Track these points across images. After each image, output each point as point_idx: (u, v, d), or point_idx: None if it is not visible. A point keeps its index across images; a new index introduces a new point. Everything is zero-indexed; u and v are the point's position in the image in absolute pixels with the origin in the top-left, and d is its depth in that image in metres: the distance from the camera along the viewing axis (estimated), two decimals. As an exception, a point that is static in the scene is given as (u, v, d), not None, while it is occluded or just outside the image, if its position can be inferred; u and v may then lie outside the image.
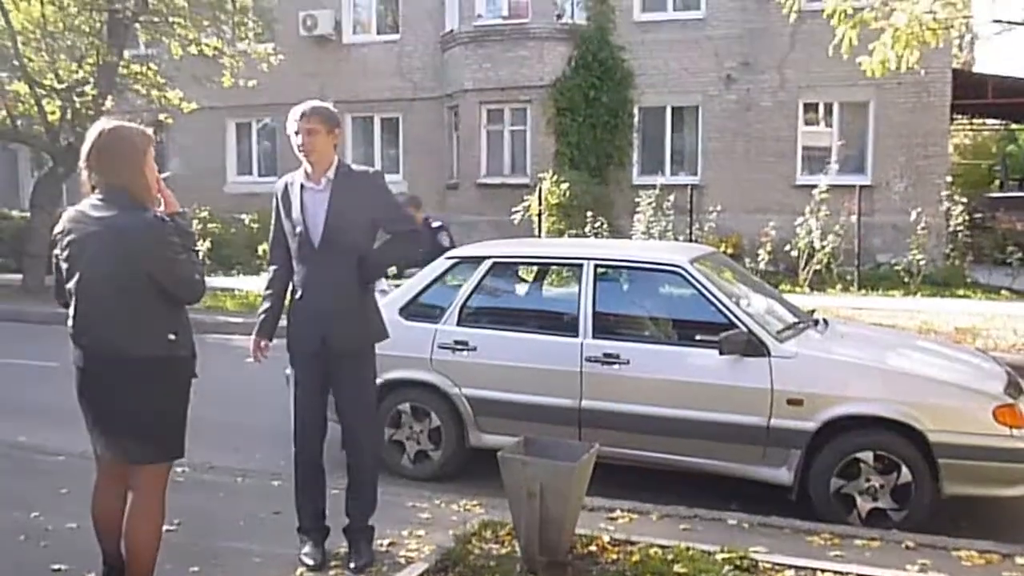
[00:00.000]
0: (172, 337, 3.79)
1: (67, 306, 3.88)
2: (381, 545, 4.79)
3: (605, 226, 17.34)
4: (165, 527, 4.04)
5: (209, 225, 20.18)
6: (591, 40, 19.45)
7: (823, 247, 16.32)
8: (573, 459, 4.49)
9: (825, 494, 5.41)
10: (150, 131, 4.01)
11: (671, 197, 17.61)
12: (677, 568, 4.40)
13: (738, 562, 4.46)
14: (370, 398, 4.71)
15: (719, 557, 4.51)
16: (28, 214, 17.36)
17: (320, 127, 4.48)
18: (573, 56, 19.56)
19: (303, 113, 4.50)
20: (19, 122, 16.93)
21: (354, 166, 4.73)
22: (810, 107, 18.99)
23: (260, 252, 19.61)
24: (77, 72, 16.49)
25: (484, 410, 6.22)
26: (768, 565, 4.47)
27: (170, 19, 16.59)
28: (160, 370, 3.77)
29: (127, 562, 3.91)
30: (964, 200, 17.38)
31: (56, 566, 4.50)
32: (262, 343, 4.75)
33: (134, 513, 3.86)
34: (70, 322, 3.84)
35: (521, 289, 7.61)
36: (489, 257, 6.59)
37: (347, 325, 4.51)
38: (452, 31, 20.38)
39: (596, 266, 6.27)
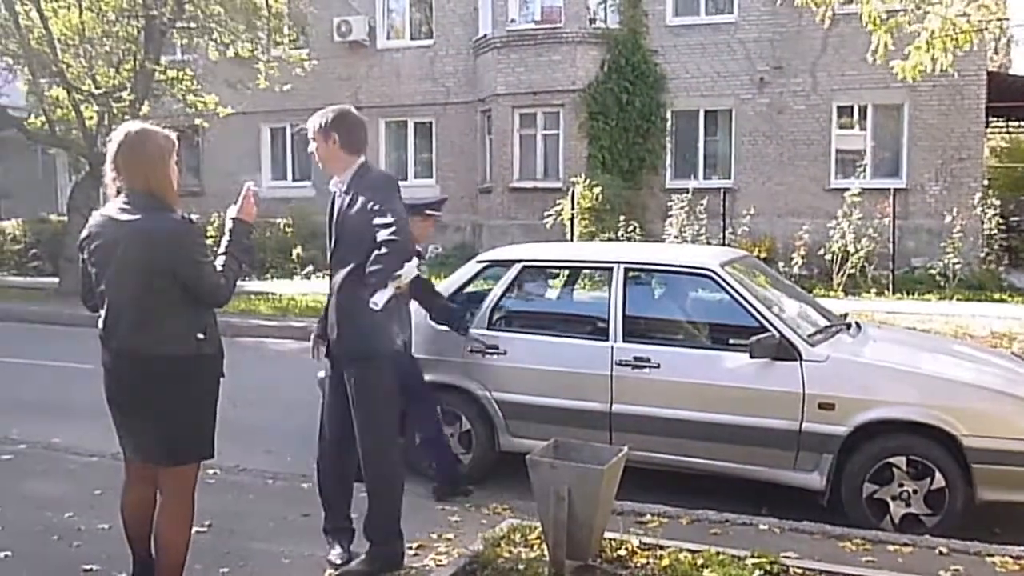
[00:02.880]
0: (200, 336, 3.81)
1: (95, 309, 3.91)
2: (410, 547, 4.78)
3: (637, 230, 17.27)
4: (195, 528, 4.06)
5: (244, 229, 20.31)
6: (624, 44, 19.39)
7: (857, 251, 16.18)
8: (602, 463, 4.46)
9: (857, 499, 5.34)
10: (174, 135, 4.03)
11: (704, 201, 17.52)
12: (707, 573, 4.35)
13: (768, 567, 4.41)
14: (369, 407, 4.48)
15: (749, 562, 4.46)
16: (65, 218, 17.54)
17: (316, 138, 4.52)
18: (606, 60, 19.51)
19: (310, 131, 4.59)
20: (58, 127, 17.21)
21: (374, 170, 4.65)
22: (843, 110, 18.84)
23: (294, 256, 19.76)
24: (114, 78, 16.74)
25: (515, 414, 6.18)
26: (799, 570, 4.42)
27: (207, 24, 16.73)
28: (188, 370, 3.78)
29: (157, 562, 3.93)
30: (1000, 203, 17.16)
31: (88, 566, 4.54)
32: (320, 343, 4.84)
33: (164, 515, 3.87)
34: (100, 324, 3.87)
35: (552, 293, 7.60)
36: (519, 260, 6.57)
37: (341, 333, 4.51)
38: (485, 36, 20.39)
39: (626, 270, 6.23)
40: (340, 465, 4.74)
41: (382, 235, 4.16)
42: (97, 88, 16.47)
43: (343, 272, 4.44)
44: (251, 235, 4.13)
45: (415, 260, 4.37)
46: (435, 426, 5.99)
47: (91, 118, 16.60)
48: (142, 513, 3.99)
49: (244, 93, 17.63)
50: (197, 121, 18.86)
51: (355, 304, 4.33)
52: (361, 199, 4.36)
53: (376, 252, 4.16)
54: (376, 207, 4.26)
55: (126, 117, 15.49)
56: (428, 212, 5.93)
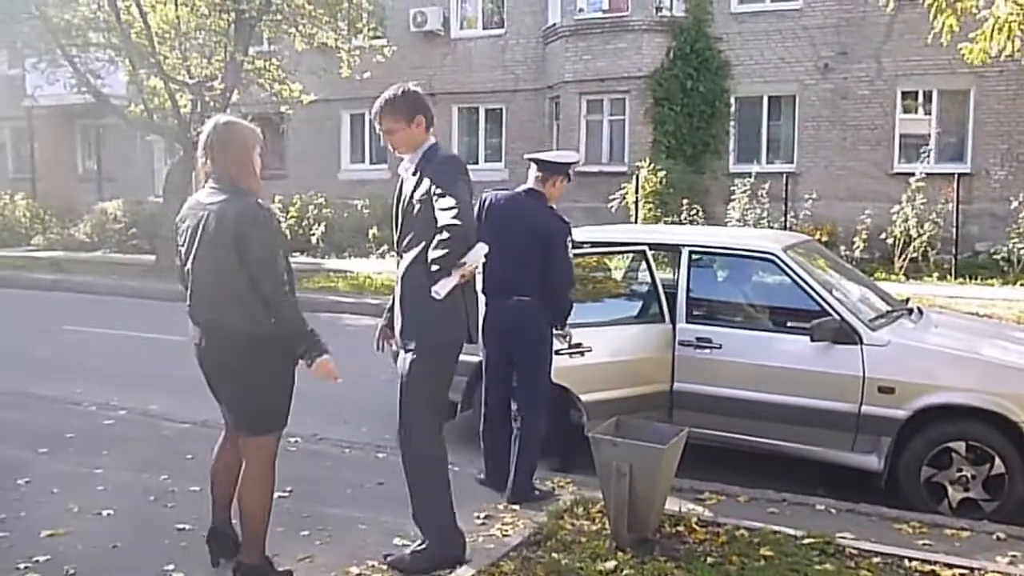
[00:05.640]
0: (275, 319, 3.80)
1: (186, 288, 3.99)
2: (477, 518, 4.81)
3: (700, 213, 17.08)
4: (277, 493, 4.12)
5: (324, 210, 20.60)
6: (688, 31, 19.09)
7: (919, 235, 15.79)
8: (663, 441, 4.43)
9: (915, 482, 5.22)
10: (258, 129, 4.09)
11: (766, 185, 17.25)
12: (763, 551, 4.30)
13: (824, 547, 4.34)
14: (415, 395, 4.17)
15: (805, 542, 4.40)
16: (161, 199, 17.94)
17: (395, 125, 4.19)
18: (671, 47, 19.22)
19: (375, 115, 4.26)
20: (155, 115, 17.63)
21: (441, 151, 4.26)
22: (908, 95, 18.28)
23: (370, 236, 19.94)
24: (207, 68, 17.11)
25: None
26: (854, 551, 4.34)
27: (292, 16, 16.92)
28: (262, 348, 3.80)
29: (241, 524, 4.01)
30: (1065, 188, 16.57)
31: (180, 525, 4.66)
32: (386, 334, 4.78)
33: (246, 481, 3.96)
34: (187, 301, 3.95)
35: (617, 274, 7.54)
36: (586, 243, 6.52)
37: (404, 323, 4.23)
38: (554, 25, 20.24)
39: (691, 252, 6.16)
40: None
41: (443, 219, 3.87)
42: (191, 78, 16.83)
43: (408, 258, 4.17)
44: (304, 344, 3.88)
45: (482, 245, 3.99)
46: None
47: (185, 106, 16.98)
48: (227, 474, 4.08)
49: (326, 81, 17.81)
50: (282, 108, 19.13)
51: (418, 293, 4.05)
52: (426, 182, 4.07)
53: (438, 237, 3.88)
54: (439, 190, 3.97)
55: (217, 105, 15.86)
56: (569, 172, 5.47)
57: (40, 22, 16.18)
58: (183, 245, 3.94)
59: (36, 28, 16.48)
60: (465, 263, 3.90)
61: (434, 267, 3.88)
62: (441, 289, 3.88)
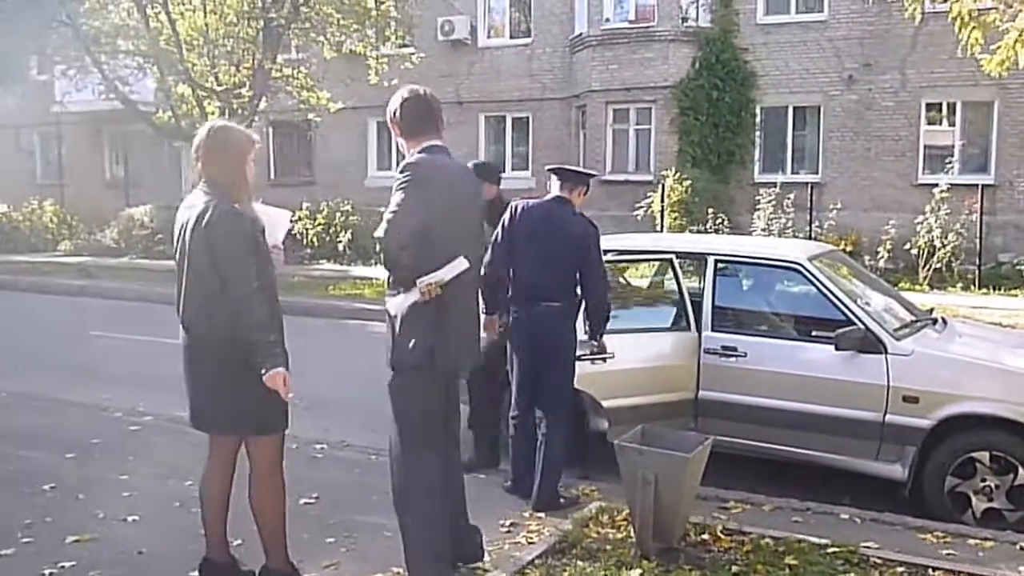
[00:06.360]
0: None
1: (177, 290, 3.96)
2: (502, 525, 4.82)
3: (725, 223, 17.04)
4: (304, 499, 4.15)
5: (351, 218, 20.67)
6: (714, 42, 19.09)
7: (943, 245, 15.69)
8: (688, 450, 4.43)
9: (939, 492, 5.20)
10: (255, 135, 4.06)
11: (791, 195, 17.20)
12: (788, 560, 4.30)
13: (849, 556, 4.34)
14: (397, 420, 4.07)
15: (830, 551, 4.39)
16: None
17: (394, 132, 4.12)
18: (697, 58, 19.22)
19: None
20: (183, 121, 17.75)
21: (408, 158, 4.00)
22: (932, 106, 18.20)
23: (397, 243, 19.96)
24: (235, 76, 17.19)
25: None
26: (879, 561, 4.33)
27: (321, 25, 17.03)
28: (238, 349, 3.68)
29: (259, 530, 4.00)
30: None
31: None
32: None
33: (255, 485, 3.95)
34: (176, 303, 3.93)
35: (643, 282, 7.55)
36: (613, 250, 6.55)
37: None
38: (581, 34, 20.29)
39: (717, 261, 6.17)
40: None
41: (378, 233, 3.76)
42: (219, 85, 16.96)
43: None
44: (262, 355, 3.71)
45: (460, 261, 3.78)
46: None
47: (213, 113, 17.05)
48: (217, 499, 4.03)
49: (353, 89, 17.89)
50: (310, 116, 19.25)
51: (387, 309, 3.96)
52: None
53: None
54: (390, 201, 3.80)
55: (245, 112, 15.97)
56: (589, 184, 5.52)
57: (70, 29, 16.38)
58: (175, 246, 3.90)
59: (66, 35, 16.68)
60: (426, 280, 3.70)
61: (391, 282, 3.78)
62: (392, 305, 3.81)
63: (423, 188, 3.79)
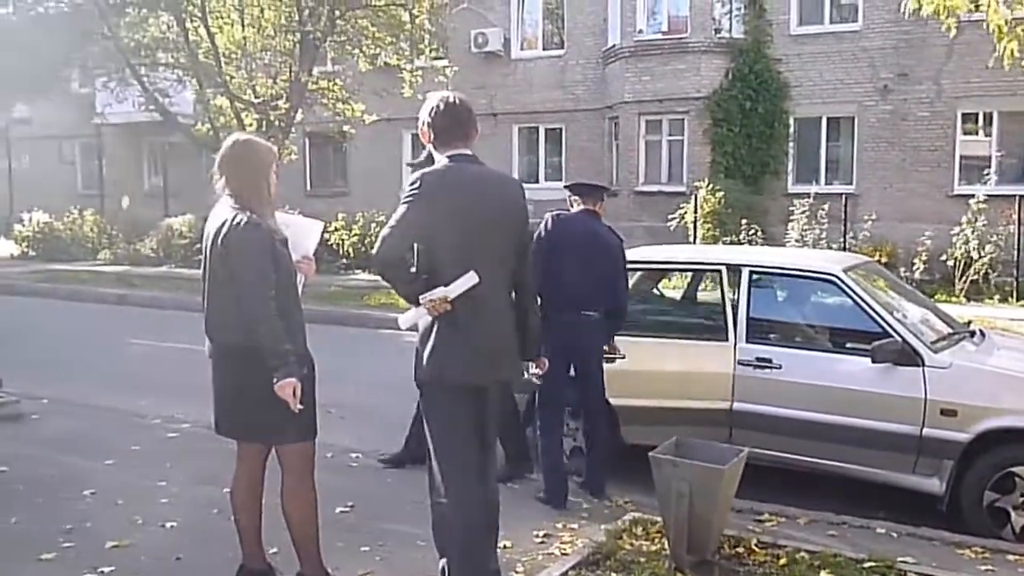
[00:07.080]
0: None
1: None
2: (536, 535, 4.81)
3: (759, 234, 16.93)
4: (339, 508, 4.15)
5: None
6: (748, 53, 19.03)
7: (980, 257, 15.48)
8: (722, 462, 4.40)
9: (977, 507, 5.12)
10: (275, 148, 4.11)
11: (825, 206, 17.02)
12: (824, 574, 4.25)
13: (885, 571, 4.28)
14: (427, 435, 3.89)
15: (866, 565, 4.33)
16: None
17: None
18: (730, 69, 19.16)
19: None
20: (221, 133, 17.89)
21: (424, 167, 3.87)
22: (968, 117, 18.00)
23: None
24: (272, 88, 17.41)
25: (632, 416, 6.04)
26: (916, 576, 4.27)
27: (357, 38, 17.18)
28: (257, 359, 3.67)
29: (292, 539, 4.01)
30: None
31: (243, 538, 4.71)
32: None
33: (286, 493, 3.97)
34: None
35: (676, 293, 7.52)
36: (647, 261, 6.54)
37: None
38: (614, 46, 20.29)
39: (751, 272, 6.12)
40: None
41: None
42: (256, 98, 17.16)
43: None
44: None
45: (470, 276, 3.59)
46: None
47: (251, 125, 17.23)
48: (249, 506, 4.06)
49: (388, 101, 18.01)
50: (345, 128, 19.39)
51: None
52: None
53: None
54: None
55: (282, 124, 16.13)
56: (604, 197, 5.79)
57: (111, 43, 16.65)
58: (202, 257, 3.95)
59: (107, 48, 16.98)
60: (429, 296, 3.60)
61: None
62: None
63: (425, 203, 3.61)
